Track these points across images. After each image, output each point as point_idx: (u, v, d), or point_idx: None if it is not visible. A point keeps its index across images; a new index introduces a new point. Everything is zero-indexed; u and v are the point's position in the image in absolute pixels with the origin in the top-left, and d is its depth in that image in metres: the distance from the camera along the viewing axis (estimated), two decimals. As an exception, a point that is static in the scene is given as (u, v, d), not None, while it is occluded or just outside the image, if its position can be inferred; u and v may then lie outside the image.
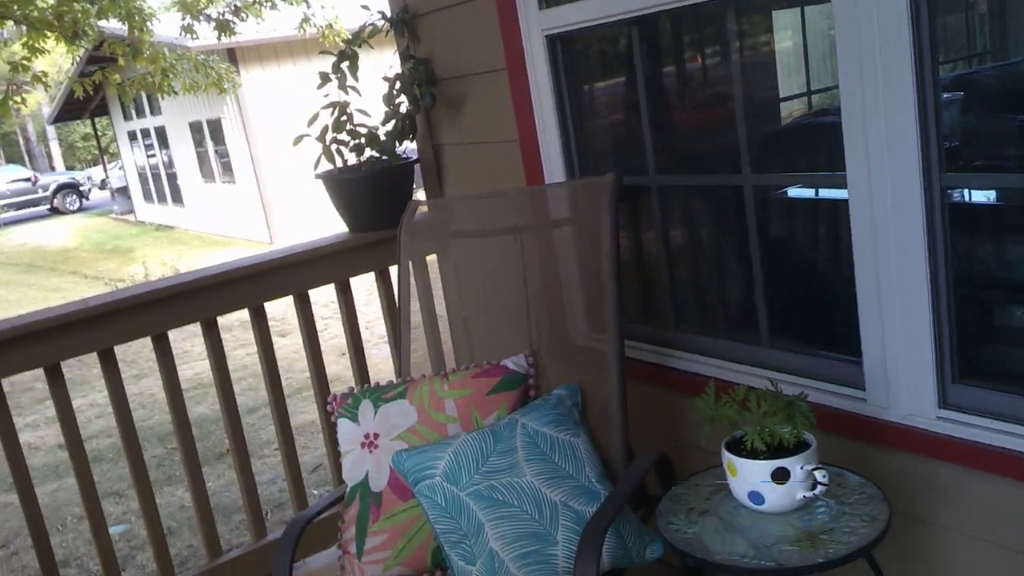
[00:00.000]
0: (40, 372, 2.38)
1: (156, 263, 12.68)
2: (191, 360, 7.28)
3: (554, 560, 1.78)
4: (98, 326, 2.42)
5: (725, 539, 1.64)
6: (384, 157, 2.93)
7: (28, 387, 7.25)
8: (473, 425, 2.09)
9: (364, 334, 2.97)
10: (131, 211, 22.44)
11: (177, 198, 19.47)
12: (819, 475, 1.63)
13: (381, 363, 4.55)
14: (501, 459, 1.90)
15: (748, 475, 1.65)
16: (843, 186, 1.85)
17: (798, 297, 2.25)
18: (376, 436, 2.10)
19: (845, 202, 1.87)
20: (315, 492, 4.20)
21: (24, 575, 3.97)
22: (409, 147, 3.12)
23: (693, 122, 2.45)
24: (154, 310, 2.51)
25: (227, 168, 16.48)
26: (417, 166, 3.07)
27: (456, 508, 1.85)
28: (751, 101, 2.14)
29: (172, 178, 19.39)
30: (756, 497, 1.66)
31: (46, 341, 2.34)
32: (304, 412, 5.54)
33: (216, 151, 16.81)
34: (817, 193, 2.22)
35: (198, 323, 2.63)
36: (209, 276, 2.62)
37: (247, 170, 15.46)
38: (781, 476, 1.62)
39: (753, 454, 1.66)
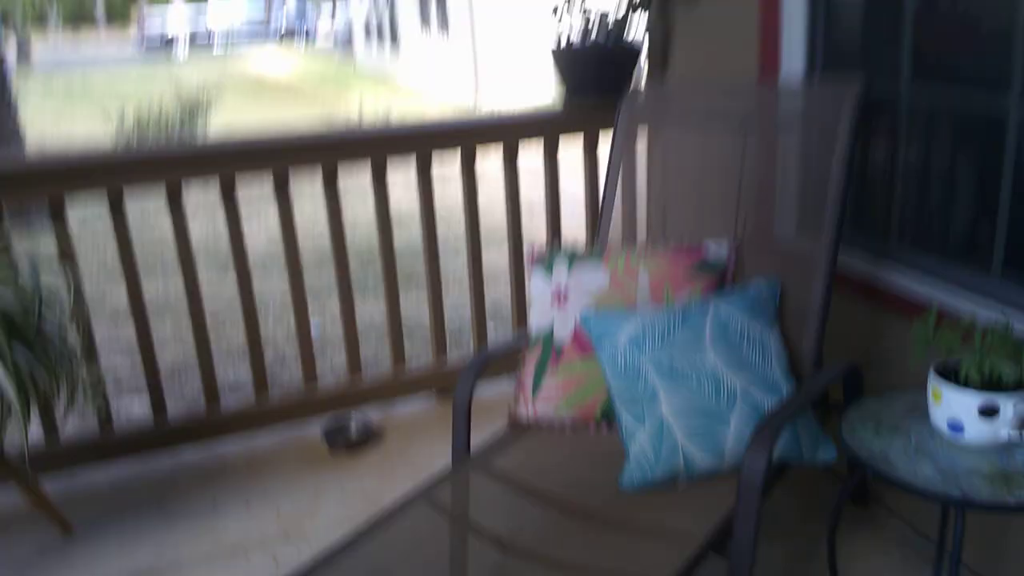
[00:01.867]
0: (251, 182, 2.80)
1: (369, 105, 13.46)
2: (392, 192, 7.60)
3: (724, 441, 1.77)
4: (323, 151, 2.81)
5: (912, 459, 1.56)
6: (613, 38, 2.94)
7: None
8: (663, 300, 2.07)
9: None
10: (351, 56, 23.35)
11: (395, 49, 20.04)
12: (1031, 419, 1.52)
13: (567, 233, 4.57)
14: (688, 336, 1.88)
15: (954, 404, 1.56)
16: None
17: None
18: (567, 291, 2.13)
19: None
20: (490, 323, 4.36)
21: (232, 345, 4.34)
22: (636, 38, 3.07)
23: (965, 25, 2.19)
24: (377, 145, 2.86)
25: (444, 23, 16.74)
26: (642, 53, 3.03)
27: (634, 372, 1.86)
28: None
29: (394, 29, 19.93)
30: (956, 426, 1.57)
31: (277, 158, 2.76)
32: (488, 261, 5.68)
33: (438, 3, 17.09)
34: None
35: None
36: (429, 126, 3.05)
37: (464, 29, 15.63)
38: (990, 412, 1.53)
39: (964, 385, 1.57)
